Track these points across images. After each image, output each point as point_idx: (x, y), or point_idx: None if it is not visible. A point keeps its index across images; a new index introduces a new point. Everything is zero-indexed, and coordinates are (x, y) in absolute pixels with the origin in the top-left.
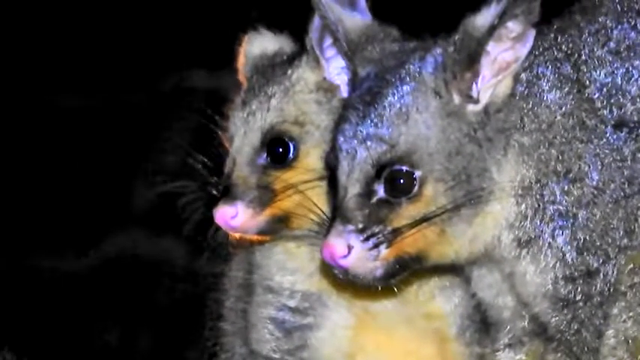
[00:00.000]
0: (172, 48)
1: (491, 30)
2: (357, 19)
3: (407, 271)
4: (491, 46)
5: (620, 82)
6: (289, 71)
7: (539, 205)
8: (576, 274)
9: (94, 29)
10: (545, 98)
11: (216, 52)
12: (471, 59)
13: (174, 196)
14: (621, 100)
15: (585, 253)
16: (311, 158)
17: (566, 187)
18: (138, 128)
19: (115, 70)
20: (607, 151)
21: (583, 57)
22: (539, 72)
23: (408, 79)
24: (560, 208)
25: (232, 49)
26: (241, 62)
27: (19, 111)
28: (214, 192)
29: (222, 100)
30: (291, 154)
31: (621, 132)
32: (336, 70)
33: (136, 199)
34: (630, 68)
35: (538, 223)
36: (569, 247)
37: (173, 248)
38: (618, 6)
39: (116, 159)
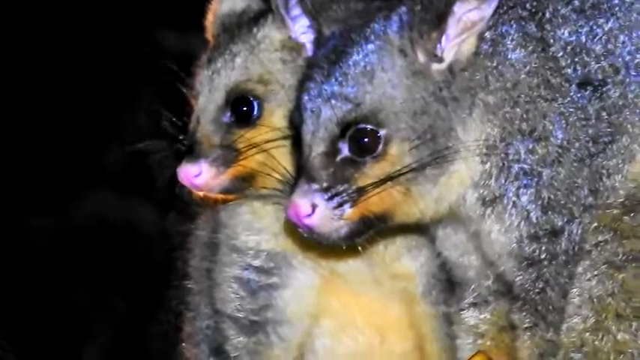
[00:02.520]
0: (142, 8)
1: None
2: None
3: (372, 230)
4: (458, 6)
5: (584, 41)
6: (255, 29)
7: (503, 164)
8: (541, 232)
9: None
10: (509, 57)
11: (187, 13)
12: (438, 18)
13: (145, 157)
14: (585, 58)
15: (550, 212)
16: (275, 117)
17: (530, 146)
18: (108, 88)
19: (83, 31)
20: (571, 110)
21: (547, 15)
22: (504, 31)
23: (373, 37)
24: (525, 166)
25: (202, 9)
26: (210, 20)
27: None
28: (183, 150)
29: (192, 60)
30: (255, 113)
31: (586, 90)
32: (302, 29)
33: (106, 160)
34: (594, 27)
35: (503, 181)
36: (533, 205)
37: (143, 209)
38: None
39: (86, 120)
